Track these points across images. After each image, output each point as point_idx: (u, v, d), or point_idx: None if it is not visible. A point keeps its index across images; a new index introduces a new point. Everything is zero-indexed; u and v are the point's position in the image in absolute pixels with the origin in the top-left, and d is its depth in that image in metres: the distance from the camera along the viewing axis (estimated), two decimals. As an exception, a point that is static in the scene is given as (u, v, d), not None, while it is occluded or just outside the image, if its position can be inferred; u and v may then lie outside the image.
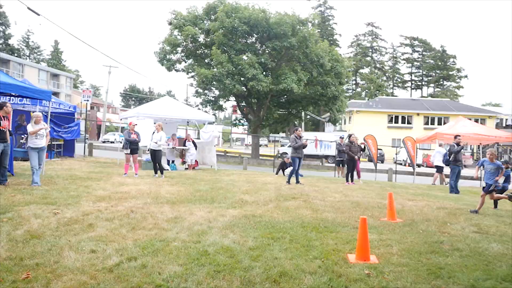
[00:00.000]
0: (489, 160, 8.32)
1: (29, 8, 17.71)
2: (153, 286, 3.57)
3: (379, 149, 36.01)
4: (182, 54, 28.19)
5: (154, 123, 13.76)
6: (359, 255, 4.57)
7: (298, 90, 24.47)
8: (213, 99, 30.62)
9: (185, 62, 28.47)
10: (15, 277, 3.61)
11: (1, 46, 65.44)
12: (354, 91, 78.97)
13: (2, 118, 8.83)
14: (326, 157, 33.20)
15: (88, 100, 19.96)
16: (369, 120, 46.43)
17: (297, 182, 12.04)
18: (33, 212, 6.19)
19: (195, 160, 16.77)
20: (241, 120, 35.79)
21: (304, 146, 12.09)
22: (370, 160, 26.52)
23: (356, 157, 13.09)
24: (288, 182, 11.97)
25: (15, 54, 65.26)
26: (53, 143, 17.43)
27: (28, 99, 15.32)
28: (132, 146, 12.32)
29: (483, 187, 8.51)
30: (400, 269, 4.29)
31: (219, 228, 5.83)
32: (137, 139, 12.39)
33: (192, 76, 28.38)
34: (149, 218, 6.30)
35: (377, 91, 71.66)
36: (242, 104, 30.79)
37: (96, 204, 7.22)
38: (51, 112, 17.10)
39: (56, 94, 56.61)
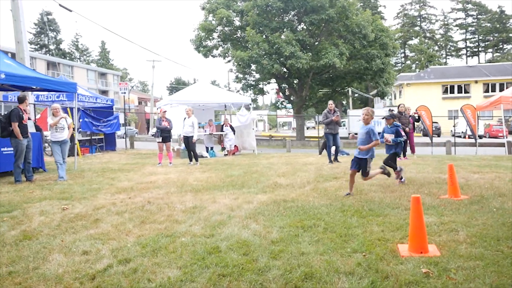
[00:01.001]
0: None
1: (60, 5, 17.62)
2: (133, 299, 2.74)
3: (435, 122, 33.48)
4: (218, 39, 27.43)
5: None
6: (412, 246, 3.47)
7: (341, 65, 22.87)
8: (254, 83, 29.71)
9: (222, 47, 27.71)
10: (-28, 291, 2.94)
11: (54, 51, 68.46)
12: (403, 64, 74.62)
13: (24, 111, 8.49)
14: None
15: (125, 93, 19.80)
16: (421, 93, 43.39)
17: (335, 159, 10.97)
18: (41, 209, 5.64)
19: (235, 145, 16.01)
20: (283, 102, 34.61)
21: (337, 122, 10.93)
22: (425, 134, 24.46)
23: (407, 128, 11.62)
24: (330, 161, 10.84)
25: (67, 58, 68.10)
26: (93, 137, 17.43)
27: (64, 94, 15.30)
28: (164, 134, 11.70)
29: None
30: (473, 263, 3.15)
31: (241, 217, 4.92)
32: (168, 126, 11.75)
33: (229, 61, 27.56)
34: (165, 209, 5.54)
35: (429, 62, 67.10)
36: (284, 85, 29.58)
37: (114, 196, 6.60)
38: (90, 107, 17.14)
39: (104, 92, 58.50)
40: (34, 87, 9.78)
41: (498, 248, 3.47)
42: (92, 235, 4.34)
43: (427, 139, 18.98)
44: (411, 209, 3.58)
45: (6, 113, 8.71)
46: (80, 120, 15.64)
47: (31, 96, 13.83)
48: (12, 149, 8.48)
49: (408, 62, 74.66)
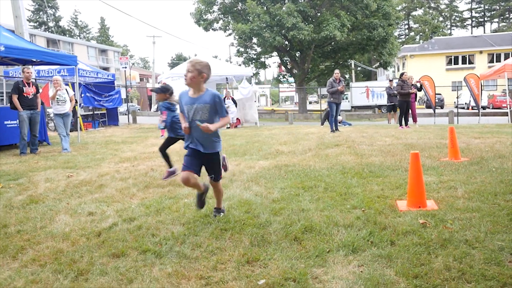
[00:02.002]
0: None
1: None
2: (138, 251, 2.82)
3: (438, 93, 33.19)
4: (219, 12, 27.04)
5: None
6: (411, 201, 3.53)
7: (341, 38, 22.57)
8: (255, 56, 29.44)
9: (222, 20, 27.33)
10: (-17, 247, 3.03)
11: (54, 29, 67.66)
12: (407, 36, 73.37)
13: (26, 84, 8.50)
14: (379, 107, 31.07)
15: (125, 67, 19.69)
16: (425, 64, 42.80)
17: (336, 129, 10.99)
18: (46, 176, 5.73)
19: (237, 118, 16.02)
20: (285, 76, 34.34)
21: (342, 92, 10.90)
22: (429, 106, 24.33)
23: (409, 91, 11.57)
24: (332, 130, 10.87)
25: (66, 35, 67.33)
26: (95, 112, 17.46)
27: (65, 69, 15.23)
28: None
29: None
30: (469, 215, 3.22)
31: (243, 180, 4.99)
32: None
33: (230, 34, 27.25)
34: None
35: (433, 34, 65.92)
36: (285, 58, 29.30)
37: (118, 165, 6.68)
38: (92, 83, 17.09)
39: (105, 69, 58.05)
40: (34, 60, 9.74)
41: (495, 202, 3.53)
42: (97, 199, 4.43)
43: (430, 111, 18.89)
44: (409, 165, 3.62)
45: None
46: (82, 95, 15.62)
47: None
48: (15, 122, 8.55)
49: (412, 33, 73.35)
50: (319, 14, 24.79)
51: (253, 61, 29.49)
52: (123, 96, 21.28)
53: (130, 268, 2.55)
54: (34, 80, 8.90)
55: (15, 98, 8.31)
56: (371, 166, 5.49)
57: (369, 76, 52.14)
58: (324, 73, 32.36)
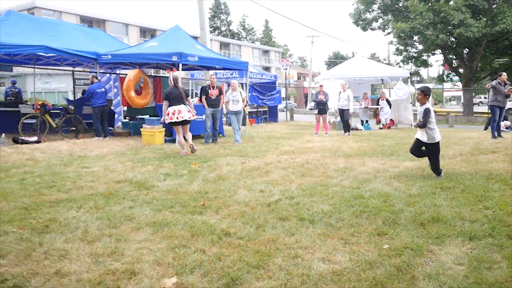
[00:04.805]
0: None
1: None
2: (297, 218, 3.88)
3: None
4: (378, 11, 26.87)
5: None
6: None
7: (522, 30, 20.08)
8: (416, 54, 28.23)
9: (382, 19, 27.05)
10: (196, 203, 4.52)
11: (228, 32, 76.16)
12: None
13: (211, 87, 10.61)
14: None
15: (286, 69, 21.55)
16: None
17: (498, 135, 10.31)
18: (227, 162, 7.36)
19: (390, 119, 16.14)
20: (449, 75, 31.84)
21: (507, 96, 10.17)
22: None
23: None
24: (493, 136, 10.30)
25: (235, 38, 74.99)
26: (259, 109, 19.73)
27: (236, 72, 17.72)
28: (320, 106, 12.77)
29: None
30: None
31: (386, 177, 5.66)
32: (324, 99, 12.77)
33: (389, 33, 26.78)
34: (321, 168, 6.62)
35: None
36: (450, 56, 27.32)
37: (279, 156, 8.00)
38: (256, 83, 19.38)
39: (267, 68, 62.75)
40: (217, 67, 11.94)
41: None
42: (265, 181, 5.71)
43: None
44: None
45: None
46: (249, 94, 17.93)
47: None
48: (202, 117, 10.74)
49: None
50: (494, 5, 22.46)
51: (413, 59, 28.32)
52: (283, 95, 23.26)
53: (291, 227, 3.62)
54: (218, 84, 10.97)
55: (203, 98, 10.47)
56: (522, 175, 5.49)
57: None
58: (497, 71, 28.95)
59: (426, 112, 5.52)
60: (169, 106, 8.20)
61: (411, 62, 28.45)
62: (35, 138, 9.76)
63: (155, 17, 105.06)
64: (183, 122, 8.28)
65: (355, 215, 3.91)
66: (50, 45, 10.27)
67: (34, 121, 11.07)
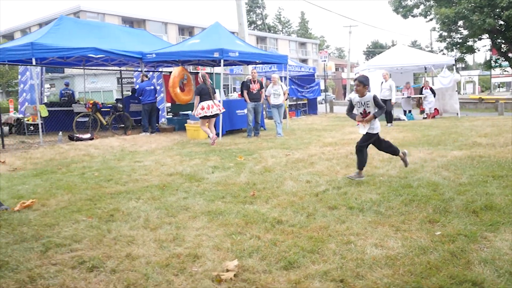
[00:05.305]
0: None
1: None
2: (346, 207, 3.97)
3: None
4: (420, -3, 26.01)
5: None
6: None
7: None
8: (460, 40, 27.10)
9: (423, 5, 26.15)
10: (246, 194, 4.70)
11: (265, 25, 76.23)
12: None
13: (252, 82, 10.78)
14: None
15: (325, 60, 21.37)
16: None
17: None
18: (271, 154, 7.51)
19: (435, 108, 15.67)
20: (497, 61, 30.28)
21: None
22: None
23: None
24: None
25: (271, 31, 74.90)
26: (298, 102, 19.74)
27: (275, 65, 17.81)
28: (362, 97, 12.65)
29: None
30: None
31: (433, 167, 5.61)
32: (365, 90, 12.62)
33: (431, 19, 25.85)
34: (365, 158, 6.63)
35: None
36: (498, 40, 26.00)
37: (322, 148, 8.06)
38: (295, 76, 19.39)
39: (304, 60, 62.29)
40: (257, 61, 12.09)
41: None
42: (311, 172, 5.81)
43: None
44: None
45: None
46: (288, 87, 17.98)
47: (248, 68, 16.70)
48: (243, 111, 10.95)
49: None
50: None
51: (458, 45, 27.20)
52: (322, 87, 23.12)
53: (341, 215, 3.72)
54: (258, 79, 11.12)
55: (244, 92, 10.66)
56: None
57: None
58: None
59: (377, 99, 5.02)
60: (200, 101, 9.09)
61: (456, 48, 27.37)
62: (88, 135, 10.35)
63: (192, 15, 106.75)
64: (213, 116, 9.29)
65: (404, 204, 3.95)
66: (99, 47, 10.82)
67: (86, 119, 11.72)
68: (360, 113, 5.14)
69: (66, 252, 3.07)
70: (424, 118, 15.30)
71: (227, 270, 2.62)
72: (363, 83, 5.04)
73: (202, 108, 9.07)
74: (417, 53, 17.81)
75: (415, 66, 16.63)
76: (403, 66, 16.06)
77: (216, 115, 9.44)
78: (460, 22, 23.44)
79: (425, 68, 17.14)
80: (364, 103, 5.05)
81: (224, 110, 9.81)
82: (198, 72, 10.35)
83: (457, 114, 15.39)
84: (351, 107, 5.25)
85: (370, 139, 5.15)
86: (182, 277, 2.59)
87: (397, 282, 2.41)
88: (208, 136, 9.28)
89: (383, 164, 6.05)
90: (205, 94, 9.12)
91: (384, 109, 5.22)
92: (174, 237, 3.31)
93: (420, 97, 15.91)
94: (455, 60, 22.30)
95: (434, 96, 15.35)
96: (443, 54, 26.97)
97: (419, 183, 4.71)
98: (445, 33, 27.23)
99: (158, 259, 2.87)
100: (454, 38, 27.27)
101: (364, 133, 5.11)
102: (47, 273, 2.69)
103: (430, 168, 5.51)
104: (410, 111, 15.80)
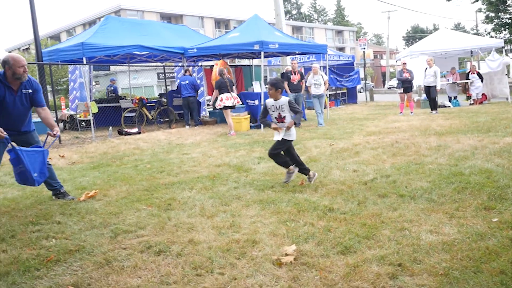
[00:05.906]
0: None
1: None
2: (396, 195, 3.99)
3: None
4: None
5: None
6: None
7: None
8: (510, 21, 25.73)
9: (469, -15, 25.02)
10: (295, 183, 4.81)
11: (296, 16, 75.41)
12: None
13: (293, 73, 10.83)
14: None
15: (364, 48, 20.94)
16: None
17: None
18: (314, 144, 7.57)
19: (482, 94, 15.05)
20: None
21: None
22: None
23: None
24: None
25: (307, 20, 74.00)
26: (337, 92, 19.52)
27: (313, 55, 17.70)
28: (405, 85, 12.34)
29: None
30: None
31: (485, 154, 5.47)
32: (409, 77, 12.31)
33: (476, 0, 24.68)
34: (412, 147, 6.55)
35: None
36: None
37: (366, 137, 8.01)
38: (334, 65, 19.18)
39: (341, 49, 61.18)
40: (297, 52, 12.09)
41: None
42: (357, 161, 5.83)
43: None
44: None
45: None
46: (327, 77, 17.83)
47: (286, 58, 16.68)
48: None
49: None
50: None
51: (507, 26, 25.83)
52: (361, 75, 22.72)
53: (393, 203, 3.75)
54: (299, 69, 11.13)
55: (285, 84, 10.71)
56: None
57: None
58: None
59: (292, 104, 4.75)
60: (220, 94, 9.82)
61: (505, 29, 26.02)
62: (135, 130, 10.80)
63: (228, 8, 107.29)
64: (231, 107, 10.03)
65: (457, 191, 3.92)
66: (143, 44, 11.22)
67: (133, 114, 12.21)
68: (275, 117, 4.85)
69: (133, 237, 3.31)
70: (471, 104, 14.74)
71: (286, 255, 2.76)
72: (275, 86, 4.76)
73: (221, 100, 9.81)
74: (462, 36, 17.11)
75: (461, 50, 16.00)
76: (447, 51, 15.50)
77: (233, 107, 10.15)
78: (510, 1, 22.25)
79: (471, 52, 16.46)
80: (279, 107, 4.76)
81: (240, 103, 10.53)
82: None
83: (507, 99, 14.72)
84: (265, 111, 4.90)
85: (284, 145, 4.84)
86: (244, 261, 2.75)
87: (456, 267, 2.44)
88: (229, 133, 9.75)
89: (431, 152, 5.96)
90: (223, 87, 9.86)
91: (302, 113, 4.98)
92: (230, 224, 3.48)
93: (466, 83, 15.32)
94: (505, 42, 21.18)
95: (482, 81, 14.74)
96: (491, 36, 25.71)
97: (471, 170, 4.63)
98: (492, 14, 25.96)
99: (219, 244, 3.05)
100: (502, 18, 25.95)
101: (280, 139, 4.77)
102: (120, 256, 2.93)
103: (482, 155, 5.39)
104: (455, 98, 15.26)
